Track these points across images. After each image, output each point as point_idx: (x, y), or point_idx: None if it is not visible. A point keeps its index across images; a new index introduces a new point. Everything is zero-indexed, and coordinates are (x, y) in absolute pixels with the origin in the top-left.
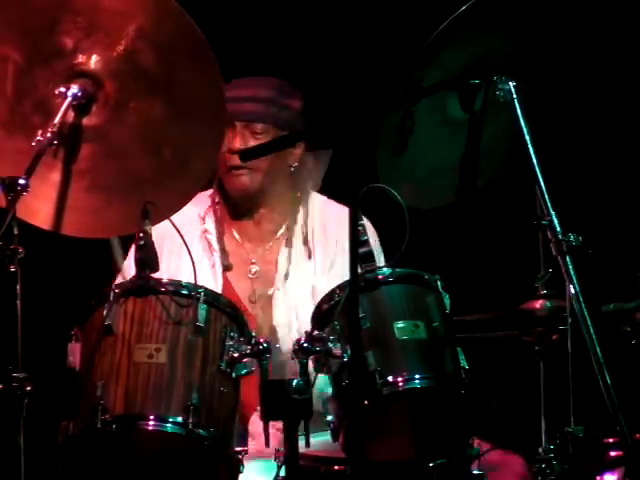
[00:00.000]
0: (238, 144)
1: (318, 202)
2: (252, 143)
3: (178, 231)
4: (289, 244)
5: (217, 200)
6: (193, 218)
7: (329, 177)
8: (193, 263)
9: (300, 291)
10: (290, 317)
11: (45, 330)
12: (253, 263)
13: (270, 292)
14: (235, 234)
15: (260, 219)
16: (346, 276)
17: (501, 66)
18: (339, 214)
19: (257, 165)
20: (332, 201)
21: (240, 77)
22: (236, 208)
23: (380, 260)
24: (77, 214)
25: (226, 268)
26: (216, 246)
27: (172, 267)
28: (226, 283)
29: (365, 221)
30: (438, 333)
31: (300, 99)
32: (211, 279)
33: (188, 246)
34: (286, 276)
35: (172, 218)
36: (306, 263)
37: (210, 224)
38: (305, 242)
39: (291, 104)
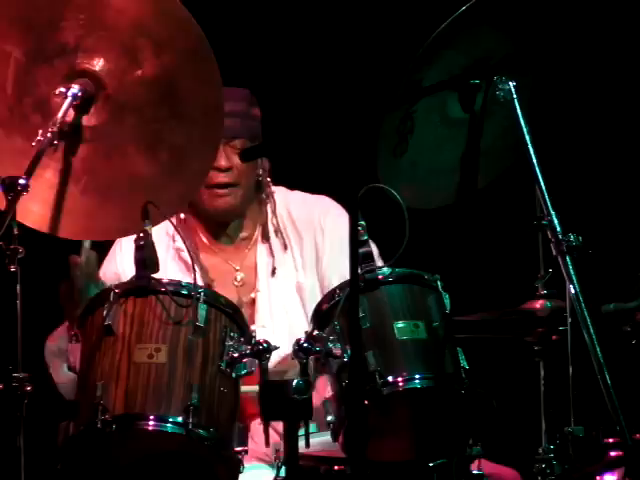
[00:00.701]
0: (224, 162)
1: (278, 194)
2: (235, 159)
3: (179, 232)
4: (265, 238)
5: (183, 217)
6: (161, 237)
7: (329, 177)
8: (193, 262)
9: (284, 291)
10: (275, 319)
11: (45, 330)
12: (238, 270)
13: (252, 295)
14: (212, 247)
15: (234, 229)
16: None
17: (501, 66)
18: (301, 198)
19: (240, 180)
20: (290, 190)
21: (235, 83)
22: (209, 222)
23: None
24: (73, 216)
25: (208, 286)
26: (193, 265)
27: None
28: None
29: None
30: (438, 333)
31: (258, 107)
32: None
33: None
34: (273, 272)
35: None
36: (284, 256)
37: (180, 242)
38: (277, 234)
39: (257, 114)
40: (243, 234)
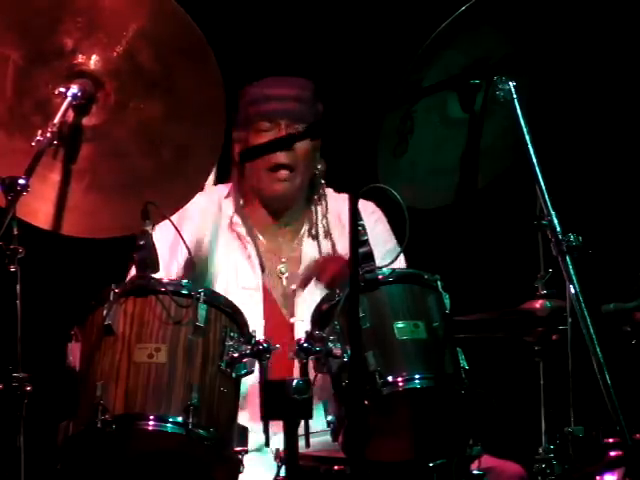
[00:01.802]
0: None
1: (329, 196)
2: (298, 145)
3: (178, 232)
4: (313, 237)
5: (241, 203)
6: (213, 211)
7: (329, 177)
8: (193, 263)
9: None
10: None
11: (45, 330)
12: (283, 262)
13: (293, 287)
14: (259, 236)
15: (285, 221)
16: None
17: (501, 66)
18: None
19: (298, 165)
20: (341, 194)
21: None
22: (261, 211)
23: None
24: (76, 214)
25: (262, 268)
26: (248, 238)
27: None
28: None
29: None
30: (438, 333)
31: (322, 104)
32: (249, 270)
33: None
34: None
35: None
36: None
37: (237, 220)
38: (326, 236)
39: (320, 109)
40: (293, 226)
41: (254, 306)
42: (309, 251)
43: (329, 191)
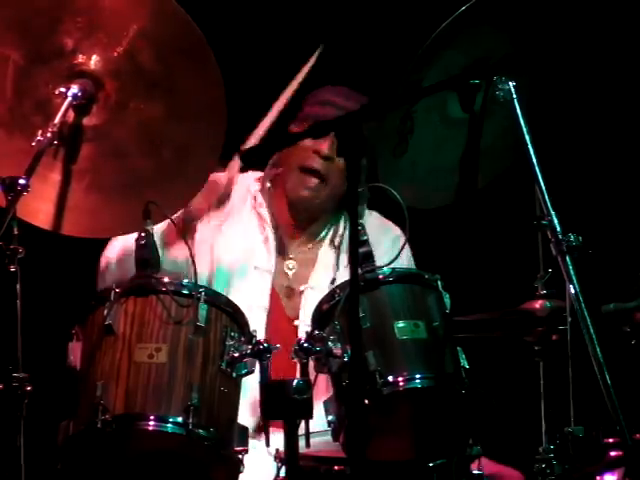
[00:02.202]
0: (327, 150)
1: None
2: (337, 161)
3: (177, 229)
4: (334, 246)
5: (269, 186)
6: (244, 193)
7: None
8: (193, 263)
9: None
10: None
11: (45, 330)
12: (291, 258)
13: (302, 288)
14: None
15: (306, 225)
16: None
17: (501, 66)
18: (379, 223)
19: (329, 176)
20: (375, 213)
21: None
22: (284, 204)
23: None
24: (77, 214)
25: (278, 251)
26: (268, 220)
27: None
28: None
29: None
30: (438, 333)
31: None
32: (264, 251)
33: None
34: (332, 282)
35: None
36: (346, 272)
37: (261, 201)
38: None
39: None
40: (312, 229)
41: (264, 286)
42: (325, 258)
43: (364, 209)
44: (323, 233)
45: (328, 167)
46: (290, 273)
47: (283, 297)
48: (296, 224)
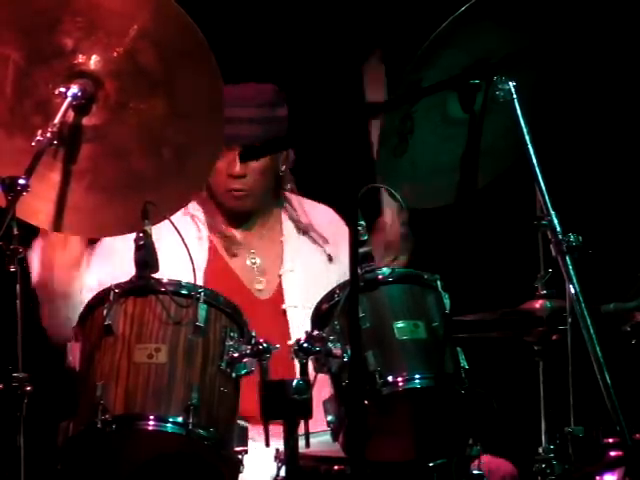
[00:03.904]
0: (238, 169)
1: (296, 201)
2: (252, 165)
3: (178, 231)
4: (287, 232)
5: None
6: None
7: (329, 177)
8: (193, 263)
9: (312, 270)
10: (301, 297)
11: (45, 330)
12: (253, 253)
13: (280, 272)
14: (233, 232)
15: (253, 224)
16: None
17: (501, 66)
18: (324, 213)
19: (255, 186)
20: (309, 200)
21: (233, 82)
22: (229, 215)
23: None
24: (77, 214)
25: (230, 243)
26: (203, 221)
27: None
28: (219, 261)
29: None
30: (438, 333)
31: (285, 104)
32: (197, 246)
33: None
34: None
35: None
36: (312, 246)
37: (196, 206)
38: (303, 233)
39: (280, 113)
40: (262, 224)
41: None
42: (288, 233)
43: (296, 197)
44: (278, 228)
45: (246, 182)
46: (255, 267)
47: (251, 282)
48: (247, 225)
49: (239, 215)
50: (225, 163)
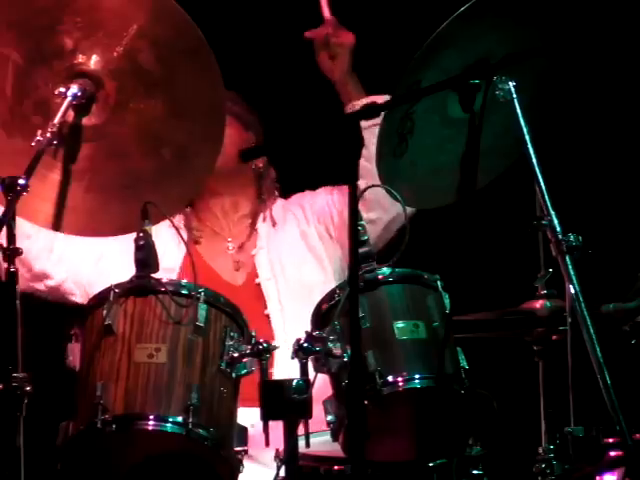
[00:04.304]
0: None
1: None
2: None
3: (178, 231)
4: (253, 226)
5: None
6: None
7: (329, 177)
8: (193, 263)
9: (287, 242)
10: (275, 271)
11: (45, 330)
12: (229, 241)
13: (253, 252)
14: (206, 223)
15: (227, 209)
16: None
17: (501, 66)
18: (299, 195)
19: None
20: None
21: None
22: (201, 201)
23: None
24: (77, 214)
25: (196, 241)
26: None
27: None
28: (195, 255)
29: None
30: (438, 333)
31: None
32: (175, 248)
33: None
34: (274, 224)
35: None
36: (272, 231)
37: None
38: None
39: (250, 110)
40: (237, 214)
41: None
42: (263, 234)
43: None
44: (248, 219)
45: None
46: (233, 252)
47: (227, 275)
48: (221, 212)
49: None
50: None
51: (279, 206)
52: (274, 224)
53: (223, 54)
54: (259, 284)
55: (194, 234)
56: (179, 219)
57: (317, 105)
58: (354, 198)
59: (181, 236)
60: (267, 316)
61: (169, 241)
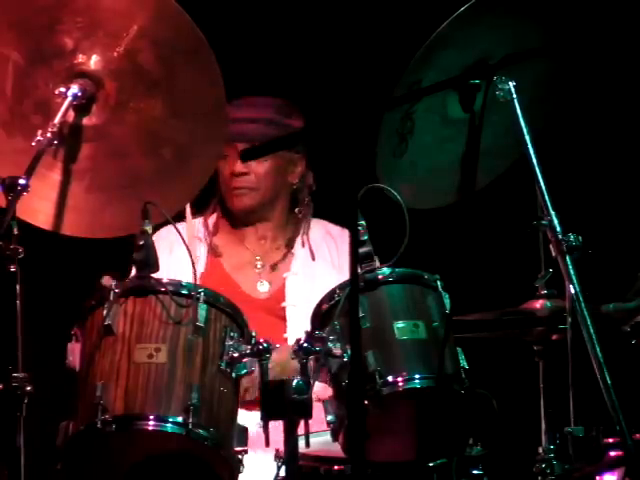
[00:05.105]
0: (239, 167)
1: (318, 223)
2: (254, 165)
3: (178, 231)
4: (289, 247)
5: (215, 216)
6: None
7: (328, 177)
8: (193, 263)
9: (319, 278)
10: (303, 299)
11: (45, 330)
12: (258, 260)
13: (285, 275)
14: (234, 238)
15: (263, 234)
16: None
17: (501, 66)
18: (340, 234)
19: (259, 184)
20: (332, 224)
21: (240, 95)
22: (237, 222)
23: None
24: (77, 214)
25: (217, 254)
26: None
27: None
28: (215, 266)
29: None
30: (438, 333)
31: (301, 118)
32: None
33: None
34: (287, 263)
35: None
36: (310, 261)
37: (201, 227)
38: (303, 246)
39: (292, 124)
40: (271, 239)
41: None
42: (300, 258)
43: (321, 221)
44: (283, 242)
45: (248, 180)
46: (257, 270)
47: (251, 291)
48: (257, 236)
49: (242, 215)
50: (228, 162)
51: (320, 231)
52: (312, 256)
53: (224, 54)
54: (284, 308)
55: (216, 249)
56: (199, 229)
57: (317, 105)
58: (354, 197)
59: (184, 239)
60: (285, 339)
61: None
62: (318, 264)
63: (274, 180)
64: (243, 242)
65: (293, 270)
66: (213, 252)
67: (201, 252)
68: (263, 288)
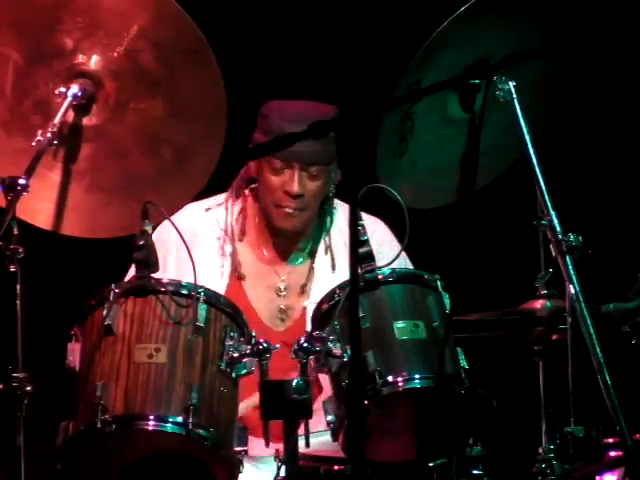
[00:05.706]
0: (296, 188)
1: (343, 208)
2: (309, 186)
3: (178, 231)
4: (312, 257)
5: (247, 214)
6: (211, 223)
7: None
8: (193, 263)
9: None
10: None
11: (45, 330)
12: (283, 281)
13: (305, 304)
14: (264, 252)
15: (296, 239)
16: None
17: (501, 66)
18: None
19: (309, 204)
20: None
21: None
22: (273, 231)
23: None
24: (77, 214)
25: (240, 276)
26: (193, 265)
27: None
28: (238, 292)
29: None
30: (438, 333)
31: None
32: (217, 283)
33: (188, 247)
34: (308, 288)
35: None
36: (330, 275)
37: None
38: (326, 252)
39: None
40: (301, 244)
41: None
42: (321, 268)
43: (340, 203)
44: (308, 246)
45: (302, 202)
46: (281, 293)
47: (270, 318)
48: (288, 241)
49: (284, 234)
50: (282, 180)
51: (346, 216)
52: (333, 265)
53: (224, 54)
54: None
55: (239, 267)
56: (223, 247)
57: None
58: (354, 197)
59: (185, 242)
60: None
61: (211, 271)
62: (336, 276)
63: (321, 198)
64: (269, 258)
65: (313, 297)
66: (237, 273)
67: (225, 270)
68: (283, 319)
